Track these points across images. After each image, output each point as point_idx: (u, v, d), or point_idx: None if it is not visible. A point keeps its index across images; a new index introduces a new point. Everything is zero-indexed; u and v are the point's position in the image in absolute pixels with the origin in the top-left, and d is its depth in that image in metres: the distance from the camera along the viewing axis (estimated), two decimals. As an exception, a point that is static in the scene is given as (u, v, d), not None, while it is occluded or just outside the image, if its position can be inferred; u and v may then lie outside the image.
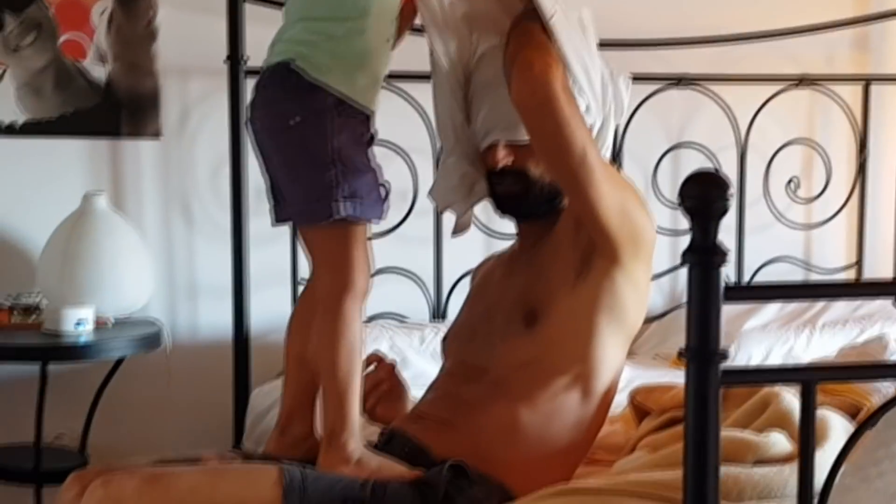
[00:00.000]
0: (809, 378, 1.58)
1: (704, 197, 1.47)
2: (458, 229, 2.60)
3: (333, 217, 2.26)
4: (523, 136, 2.37)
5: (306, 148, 2.28)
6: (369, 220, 2.34)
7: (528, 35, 2.28)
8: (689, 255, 1.47)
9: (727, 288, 1.47)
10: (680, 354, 1.48)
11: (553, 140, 2.26)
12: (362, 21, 2.31)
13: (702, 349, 1.45)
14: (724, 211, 1.46)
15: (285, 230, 3.47)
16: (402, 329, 3.73)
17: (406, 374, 2.78)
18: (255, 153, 2.46)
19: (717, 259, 1.46)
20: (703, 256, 1.46)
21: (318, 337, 2.35)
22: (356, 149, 2.31)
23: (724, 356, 1.46)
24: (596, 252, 2.36)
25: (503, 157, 2.41)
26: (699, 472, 1.47)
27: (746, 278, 4.19)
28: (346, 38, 2.31)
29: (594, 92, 2.40)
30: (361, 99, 2.32)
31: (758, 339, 3.80)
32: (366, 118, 2.34)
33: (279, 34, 2.39)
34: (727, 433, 2.06)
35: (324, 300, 2.33)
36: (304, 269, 3.54)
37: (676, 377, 3.34)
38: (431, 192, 2.59)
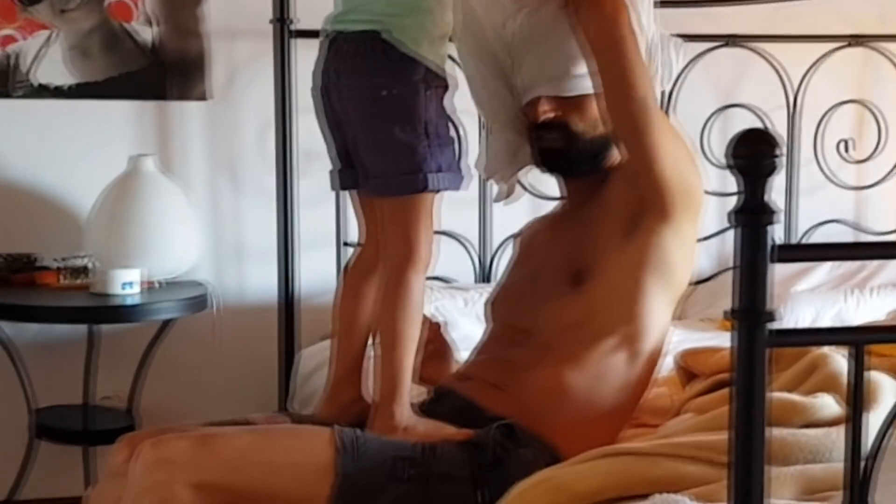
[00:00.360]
0: (859, 339, 1.55)
1: (754, 155, 1.44)
2: (503, 196, 2.59)
3: (423, 189, 2.29)
4: (566, 90, 2.37)
5: (398, 119, 2.29)
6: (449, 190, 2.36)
7: None
8: (737, 215, 1.45)
9: (776, 247, 1.44)
10: (727, 315, 1.46)
11: (617, 80, 2.28)
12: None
13: (750, 309, 1.43)
14: (774, 169, 1.44)
15: (330, 192, 3.46)
16: (448, 291, 3.73)
17: (452, 336, 2.77)
18: (324, 118, 2.43)
19: (766, 218, 1.43)
20: (751, 216, 1.44)
21: (382, 304, 2.36)
22: (442, 120, 2.34)
23: (773, 317, 1.43)
24: (645, 207, 2.34)
25: (547, 111, 2.40)
26: (746, 434, 1.45)
27: (796, 240, 4.15)
28: (432, 9, 2.32)
29: (646, 52, 2.39)
30: (444, 69, 2.35)
31: (807, 301, 3.76)
32: (446, 87, 2.36)
33: (355, 1, 2.37)
34: (775, 395, 2.03)
35: (391, 268, 2.35)
36: (351, 232, 3.56)
37: (724, 340, 3.31)
38: (477, 164, 2.59)
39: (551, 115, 2.40)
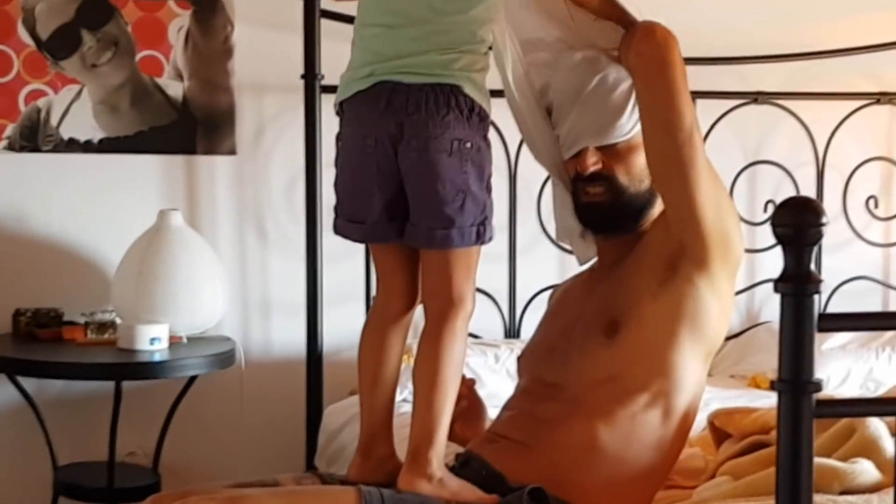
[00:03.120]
0: (905, 410, 1.54)
1: (798, 224, 1.43)
2: (583, 259, 2.58)
3: (488, 241, 2.34)
4: (612, 137, 2.35)
5: (474, 172, 2.31)
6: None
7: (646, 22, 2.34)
8: (781, 284, 1.44)
9: (821, 317, 1.43)
10: (772, 385, 1.44)
11: (665, 108, 2.26)
12: (486, 49, 2.37)
13: (795, 380, 1.42)
14: (819, 238, 1.43)
15: (355, 246, 3.46)
16: (477, 347, 3.71)
17: (480, 394, 2.75)
18: (368, 169, 2.38)
19: (811, 287, 1.43)
20: (796, 285, 1.43)
21: (423, 350, 2.34)
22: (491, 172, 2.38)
23: (819, 387, 1.42)
24: (683, 256, 2.29)
25: (594, 162, 2.38)
26: (792, 505, 1.44)
27: (824, 297, 4.13)
28: (485, 66, 2.35)
29: None
30: None
31: (837, 359, 3.73)
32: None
33: (411, 54, 2.35)
34: (815, 461, 2.01)
35: (437, 315, 2.34)
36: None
37: (754, 398, 3.32)
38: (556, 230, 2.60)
39: (599, 165, 2.38)
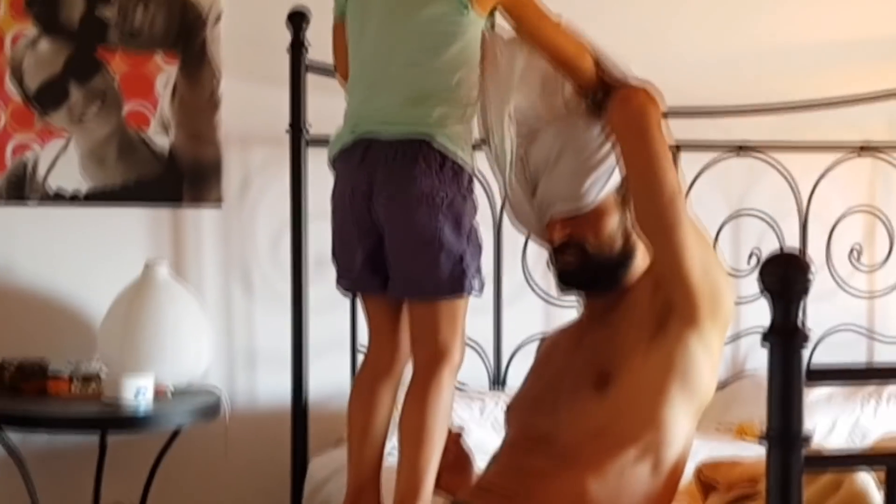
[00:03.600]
0: (893, 464, 1.54)
1: (786, 277, 1.45)
2: None
3: (469, 293, 2.35)
4: (579, 207, 2.36)
5: (449, 225, 2.33)
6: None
7: (629, 86, 2.36)
8: (770, 337, 1.45)
9: (809, 370, 1.44)
10: (760, 438, 1.45)
11: (645, 173, 2.28)
12: (472, 100, 2.39)
13: (784, 434, 1.43)
14: (806, 291, 1.44)
15: (340, 297, 3.47)
16: (463, 398, 3.70)
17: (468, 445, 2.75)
18: (349, 222, 2.44)
19: (799, 341, 1.44)
20: (784, 338, 1.44)
21: (409, 402, 2.35)
22: (477, 226, 2.40)
23: (808, 441, 1.43)
24: (673, 313, 2.30)
25: (559, 233, 2.41)
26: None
27: (809, 347, 4.13)
28: (472, 118, 2.39)
29: None
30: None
31: (823, 410, 3.74)
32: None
33: (387, 108, 2.39)
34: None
35: (423, 367, 2.36)
36: (364, 337, 3.55)
37: (739, 449, 3.32)
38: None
39: (565, 236, 2.40)
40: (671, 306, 2.30)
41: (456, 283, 2.34)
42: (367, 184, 2.37)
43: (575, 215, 2.38)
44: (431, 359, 2.35)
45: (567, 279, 2.47)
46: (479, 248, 2.39)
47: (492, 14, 2.43)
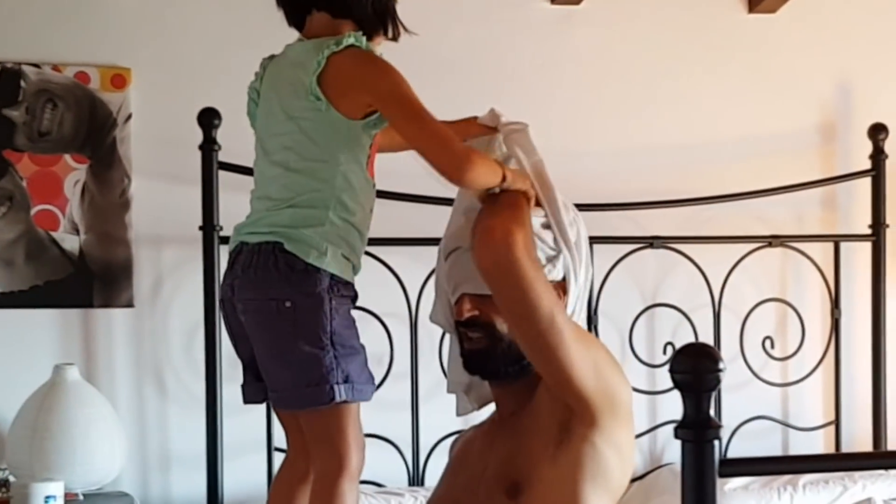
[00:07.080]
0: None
1: (696, 370, 1.45)
2: (464, 412, 2.58)
3: (330, 402, 2.26)
4: (486, 288, 2.35)
5: (301, 332, 2.26)
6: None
7: (494, 200, 2.30)
8: (681, 430, 1.45)
9: (722, 462, 1.44)
10: (676, 533, 1.44)
11: (519, 305, 2.22)
12: (350, 205, 2.33)
13: (699, 527, 1.42)
14: (717, 384, 1.45)
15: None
16: (381, 496, 3.67)
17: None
18: (227, 331, 2.43)
19: (711, 433, 1.44)
20: (696, 431, 1.44)
21: None
22: (348, 330, 2.32)
23: (722, 534, 1.42)
24: (574, 418, 2.29)
25: (468, 308, 2.37)
26: None
27: (725, 437, 4.16)
28: (335, 223, 2.31)
29: (578, 243, 2.40)
30: (351, 277, 2.33)
31: (740, 500, 3.75)
32: (355, 295, 2.36)
33: (258, 213, 2.38)
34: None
35: (319, 480, 2.31)
36: (279, 438, 3.50)
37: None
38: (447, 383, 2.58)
39: (475, 312, 2.38)
40: (570, 412, 2.29)
41: (317, 394, 2.26)
42: (231, 292, 2.35)
43: (485, 294, 2.36)
44: (327, 468, 2.31)
45: (474, 361, 2.43)
46: (351, 351, 2.31)
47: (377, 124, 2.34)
